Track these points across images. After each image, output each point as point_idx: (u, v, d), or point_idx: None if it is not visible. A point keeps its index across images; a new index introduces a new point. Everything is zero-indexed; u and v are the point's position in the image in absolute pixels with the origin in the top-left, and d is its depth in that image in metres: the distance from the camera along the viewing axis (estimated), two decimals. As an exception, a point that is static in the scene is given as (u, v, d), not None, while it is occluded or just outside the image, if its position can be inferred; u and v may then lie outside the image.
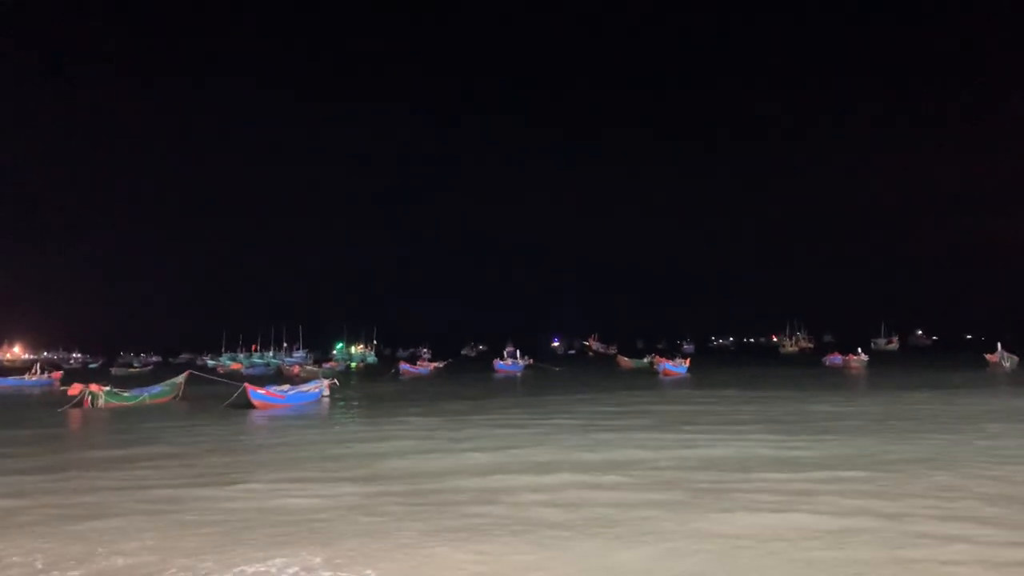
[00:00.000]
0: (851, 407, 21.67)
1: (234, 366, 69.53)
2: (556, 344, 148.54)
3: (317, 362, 72.84)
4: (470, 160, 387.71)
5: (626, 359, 58.21)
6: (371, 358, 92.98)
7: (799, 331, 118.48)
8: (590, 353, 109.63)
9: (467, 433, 17.28)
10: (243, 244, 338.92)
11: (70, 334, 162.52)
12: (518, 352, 57.09)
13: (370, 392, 33.85)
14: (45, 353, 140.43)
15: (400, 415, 22.28)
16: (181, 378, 30.97)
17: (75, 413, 25.16)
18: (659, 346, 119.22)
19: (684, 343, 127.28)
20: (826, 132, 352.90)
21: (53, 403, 28.04)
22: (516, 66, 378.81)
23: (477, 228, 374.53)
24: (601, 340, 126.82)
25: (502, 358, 57.99)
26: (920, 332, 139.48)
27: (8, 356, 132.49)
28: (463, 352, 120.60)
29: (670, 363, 48.91)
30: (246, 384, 26.35)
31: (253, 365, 73.34)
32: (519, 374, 49.74)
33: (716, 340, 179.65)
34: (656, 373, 46.17)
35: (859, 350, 57.01)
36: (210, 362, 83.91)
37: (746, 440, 14.88)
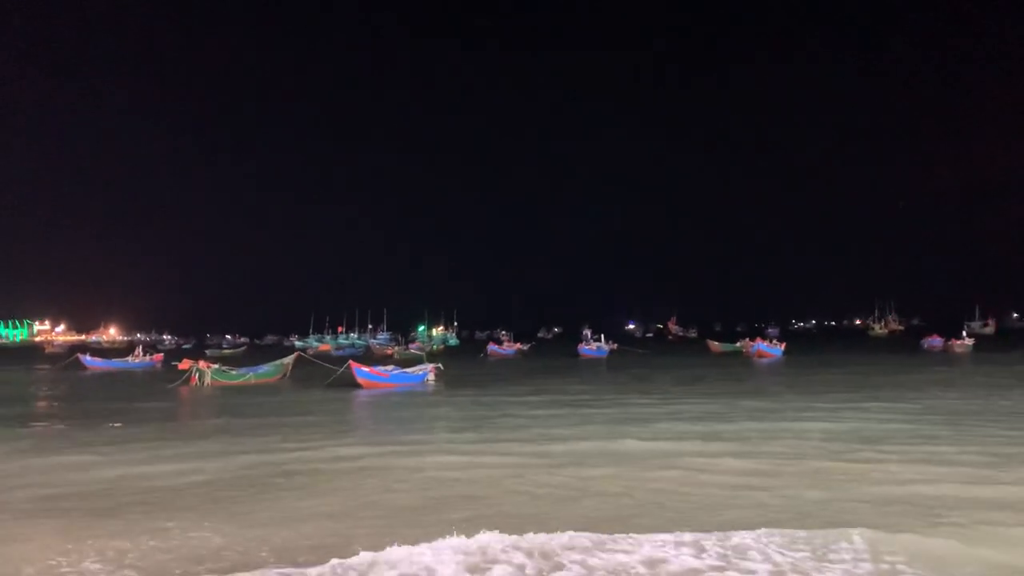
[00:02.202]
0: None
1: (323, 347, 70.55)
2: (632, 327, 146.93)
3: (400, 343, 73.58)
4: (541, 144, 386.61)
5: (716, 343, 56.86)
6: (452, 340, 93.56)
7: (890, 313, 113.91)
8: (669, 336, 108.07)
9: (629, 414, 16.93)
10: (322, 228, 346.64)
11: (158, 317, 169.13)
12: (602, 336, 56.31)
13: (465, 373, 33.70)
14: (138, 335, 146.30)
15: (522, 396, 22.27)
16: (289, 359, 31.66)
17: (184, 390, 25.89)
18: (737, 329, 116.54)
19: (767, 326, 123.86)
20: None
21: (161, 382, 28.74)
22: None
23: (547, 210, 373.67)
24: (679, 323, 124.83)
25: (585, 341, 57.31)
26: (1016, 315, 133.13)
27: (105, 338, 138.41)
28: (539, 335, 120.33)
29: (765, 344, 47.71)
30: (351, 363, 26.66)
31: (340, 346, 74.47)
32: (605, 358, 49.02)
33: (797, 323, 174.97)
34: (748, 357, 45.07)
35: (963, 333, 54.51)
36: (297, 343, 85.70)
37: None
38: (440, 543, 6.39)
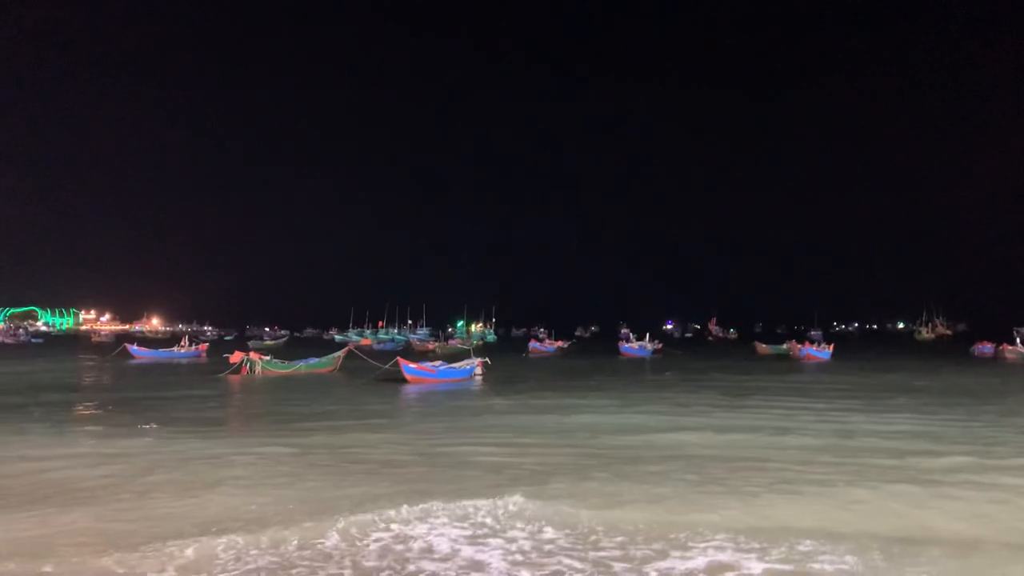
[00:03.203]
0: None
1: (364, 342, 70.94)
2: (670, 327, 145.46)
3: (441, 339, 73.60)
4: (587, 149, 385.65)
5: (763, 345, 55.91)
6: (490, 336, 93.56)
7: (938, 316, 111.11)
8: (709, 337, 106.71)
9: (694, 410, 16.89)
10: (361, 223, 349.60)
11: (198, 308, 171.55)
12: (647, 336, 55.65)
13: (509, 369, 33.40)
14: (180, 326, 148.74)
15: (580, 392, 22.21)
16: (340, 353, 32.08)
17: (235, 379, 26.17)
18: (778, 331, 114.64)
19: (809, 329, 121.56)
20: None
21: (207, 372, 28.92)
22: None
23: (586, 210, 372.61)
24: (719, 324, 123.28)
25: (626, 340, 56.71)
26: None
27: (147, 328, 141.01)
28: (576, 333, 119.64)
29: (812, 348, 46.72)
30: (399, 358, 26.68)
31: (381, 341, 74.77)
32: (648, 358, 48.32)
33: (839, 326, 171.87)
34: (795, 359, 44.17)
35: (1016, 339, 52.77)
36: (337, 337, 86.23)
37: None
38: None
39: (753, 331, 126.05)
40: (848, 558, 6.40)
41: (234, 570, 6.19)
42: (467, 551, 6.65)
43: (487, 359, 28.38)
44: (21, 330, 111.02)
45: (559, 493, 8.67)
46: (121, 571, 6.15)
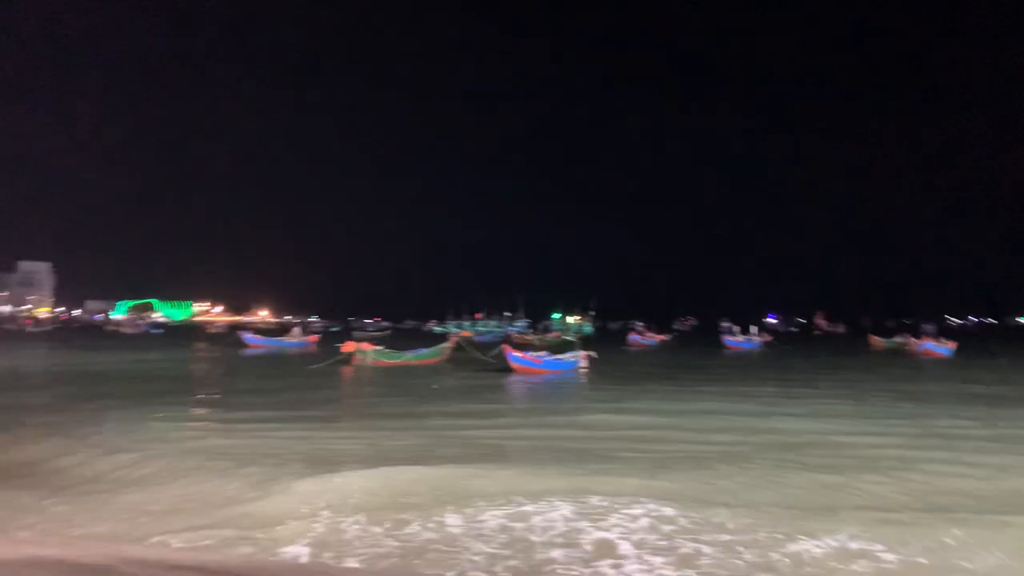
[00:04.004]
0: None
1: (463, 334, 71.59)
2: (773, 321, 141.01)
3: (538, 331, 73.67)
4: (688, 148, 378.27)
5: (879, 339, 53.40)
6: (587, 328, 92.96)
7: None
8: (816, 332, 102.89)
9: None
10: (461, 216, 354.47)
11: (303, 300, 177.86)
12: (755, 328, 54.05)
13: (613, 362, 32.91)
14: (287, 316, 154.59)
15: (696, 384, 21.88)
16: (448, 344, 32.39)
17: (347, 368, 26.81)
18: (887, 325, 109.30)
19: (923, 321, 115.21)
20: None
21: (320, 361, 29.58)
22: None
23: (683, 206, 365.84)
24: (828, 318, 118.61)
25: (730, 333, 55.25)
26: None
27: (257, 319, 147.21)
28: (675, 326, 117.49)
29: (931, 343, 44.27)
30: (504, 346, 26.73)
31: (480, 333, 75.47)
32: (754, 351, 46.87)
33: (950, 319, 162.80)
34: (913, 355, 41.87)
35: None
36: (437, 329, 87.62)
37: None
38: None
39: (860, 325, 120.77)
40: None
41: (360, 547, 6.34)
42: (590, 534, 6.63)
43: (593, 352, 28.02)
44: (142, 321, 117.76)
45: (683, 480, 8.59)
46: (260, 536, 6.48)
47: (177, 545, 6.29)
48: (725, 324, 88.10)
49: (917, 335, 51.93)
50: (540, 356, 26.85)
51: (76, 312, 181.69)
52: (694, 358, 39.21)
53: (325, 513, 7.15)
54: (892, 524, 6.96)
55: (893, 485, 8.64)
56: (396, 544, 6.44)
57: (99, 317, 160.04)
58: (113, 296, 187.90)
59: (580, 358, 27.18)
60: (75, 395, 18.08)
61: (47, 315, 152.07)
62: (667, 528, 6.80)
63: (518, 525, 6.89)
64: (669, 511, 7.21)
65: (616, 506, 7.39)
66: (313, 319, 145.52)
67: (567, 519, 7.05)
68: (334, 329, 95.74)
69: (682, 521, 6.97)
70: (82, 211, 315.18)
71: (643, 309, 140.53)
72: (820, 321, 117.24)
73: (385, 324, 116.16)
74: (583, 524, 6.91)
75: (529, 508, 7.33)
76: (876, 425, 13.65)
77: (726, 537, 6.59)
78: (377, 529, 6.76)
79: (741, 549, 6.32)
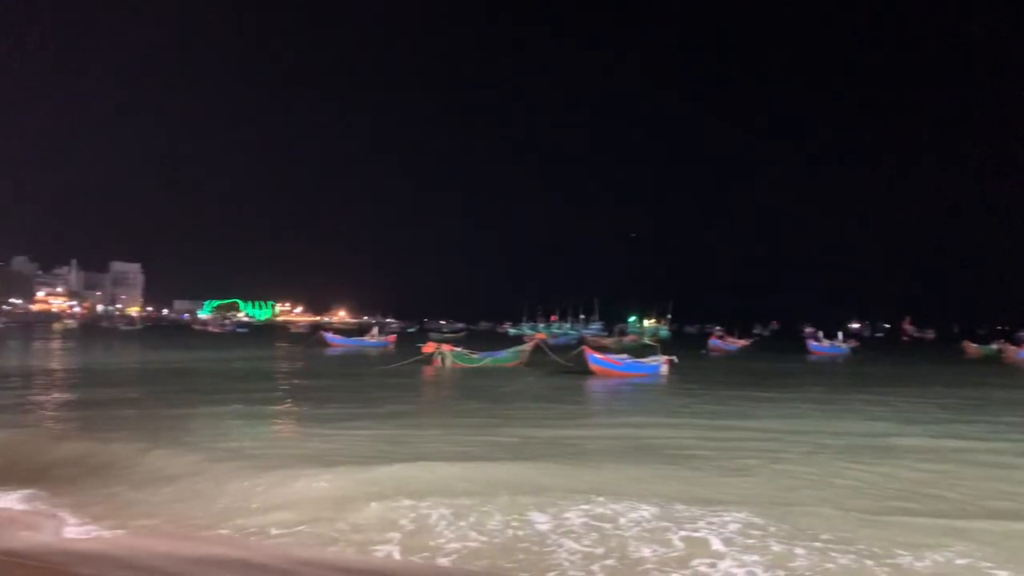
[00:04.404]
0: None
1: (538, 336, 71.47)
2: (856, 326, 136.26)
3: (614, 334, 72.97)
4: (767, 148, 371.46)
5: (973, 345, 50.99)
6: (664, 332, 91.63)
7: None
8: (904, 338, 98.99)
9: None
10: (536, 217, 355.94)
11: (379, 302, 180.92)
12: (840, 334, 52.27)
13: (694, 367, 32.14)
14: (364, 317, 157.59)
15: (785, 391, 21.20)
16: (528, 346, 32.20)
17: (427, 369, 26.98)
18: (979, 331, 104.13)
19: (1019, 329, 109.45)
20: None
21: (400, 361, 29.87)
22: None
23: (764, 202, 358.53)
24: (915, 323, 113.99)
25: (814, 338, 53.53)
26: None
27: (335, 319, 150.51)
28: (755, 331, 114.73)
29: (1032, 351, 42.04)
30: (584, 348, 26.47)
31: (554, 335, 75.15)
32: (841, 358, 45.17)
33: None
34: (1010, 363, 39.81)
35: None
36: (511, 331, 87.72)
37: None
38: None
39: (951, 331, 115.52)
40: None
41: (451, 536, 6.46)
42: (679, 534, 6.55)
43: (675, 357, 27.44)
44: (228, 320, 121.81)
45: (771, 489, 8.40)
46: (356, 537, 6.49)
47: (307, 543, 6.36)
48: (808, 329, 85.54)
49: (1016, 342, 49.37)
50: (620, 359, 26.47)
51: (164, 311, 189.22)
52: (778, 364, 38.06)
53: (411, 509, 7.15)
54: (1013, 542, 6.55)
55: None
56: (484, 539, 6.43)
57: (186, 316, 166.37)
58: (199, 296, 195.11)
59: (662, 362, 26.65)
60: (169, 392, 18.73)
61: (138, 314, 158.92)
62: (757, 533, 6.60)
63: (605, 525, 6.77)
64: (758, 519, 6.96)
65: (703, 511, 7.20)
66: (389, 320, 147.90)
67: (654, 519, 6.93)
68: (410, 330, 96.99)
69: (772, 529, 6.72)
70: (171, 215, 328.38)
71: (720, 313, 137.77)
72: (907, 326, 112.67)
73: (459, 325, 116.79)
74: (670, 525, 6.78)
75: (614, 508, 7.21)
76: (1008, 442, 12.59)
77: (818, 544, 6.31)
78: (462, 523, 6.78)
79: (836, 555, 6.05)
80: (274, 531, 6.58)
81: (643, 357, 27.37)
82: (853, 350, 49.76)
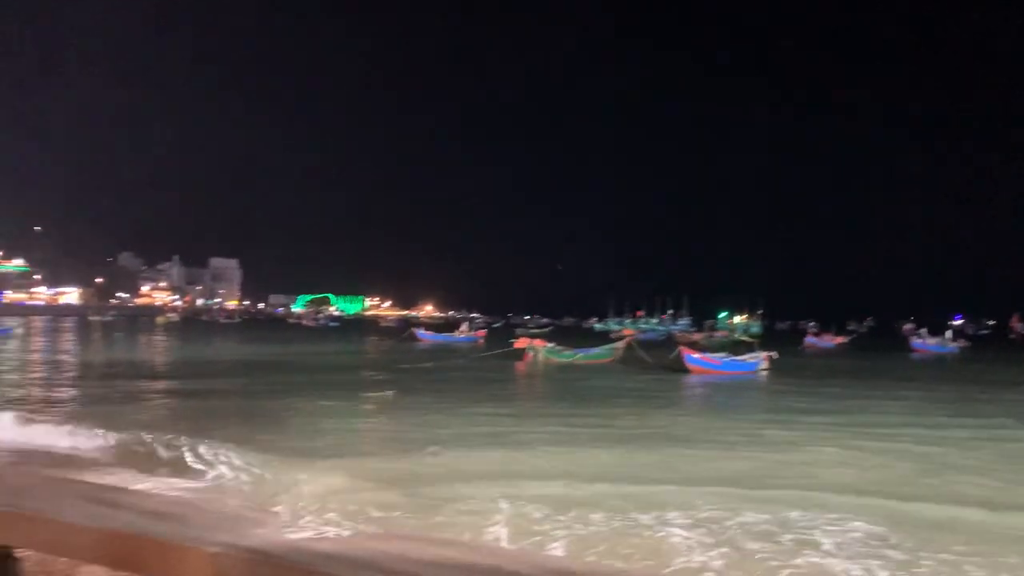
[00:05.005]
0: None
1: (625, 332, 70.88)
2: (959, 323, 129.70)
3: (703, 330, 71.66)
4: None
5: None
6: (755, 328, 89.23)
7: None
8: (1013, 336, 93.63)
9: None
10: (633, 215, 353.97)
11: (463, 297, 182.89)
12: (950, 332, 49.87)
13: (792, 365, 31.15)
14: (450, 312, 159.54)
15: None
16: (621, 344, 32.01)
17: (520, 365, 27.18)
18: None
19: None
20: None
21: (493, 357, 30.07)
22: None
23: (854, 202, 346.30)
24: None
25: (918, 336, 51.28)
26: None
27: (422, 314, 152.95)
28: (850, 327, 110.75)
29: None
30: (681, 348, 26.06)
31: (642, 331, 74.34)
32: (948, 356, 43.04)
33: None
34: None
35: None
36: (596, 326, 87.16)
37: None
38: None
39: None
40: None
41: (557, 535, 6.29)
42: (793, 534, 6.38)
43: (774, 353, 26.74)
44: (320, 315, 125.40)
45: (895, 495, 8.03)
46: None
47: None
48: (908, 326, 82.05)
49: None
50: (719, 357, 26.05)
51: (260, 305, 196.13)
52: (879, 362, 36.62)
53: (512, 502, 7.11)
54: None
55: None
56: (587, 532, 6.38)
57: (280, 310, 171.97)
58: (292, 291, 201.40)
59: (761, 359, 26.05)
60: (282, 382, 19.48)
61: (235, 307, 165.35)
62: (877, 542, 6.34)
63: (715, 527, 6.61)
64: (880, 528, 6.69)
65: (821, 515, 6.98)
66: (474, 315, 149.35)
67: (768, 520, 6.76)
68: (495, 325, 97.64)
69: (894, 539, 6.43)
70: (265, 212, 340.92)
71: (812, 309, 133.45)
72: (1016, 323, 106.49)
73: (545, 321, 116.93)
74: (785, 525, 6.63)
75: (725, 509, 7.09)
76: None
77: (948, 556, 6.01)
78: (561, 518, 6.70)
79: (970, 568, 5.75)
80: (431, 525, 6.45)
81: (741, 355, 26.80)
82: (962, 349, 47.31)
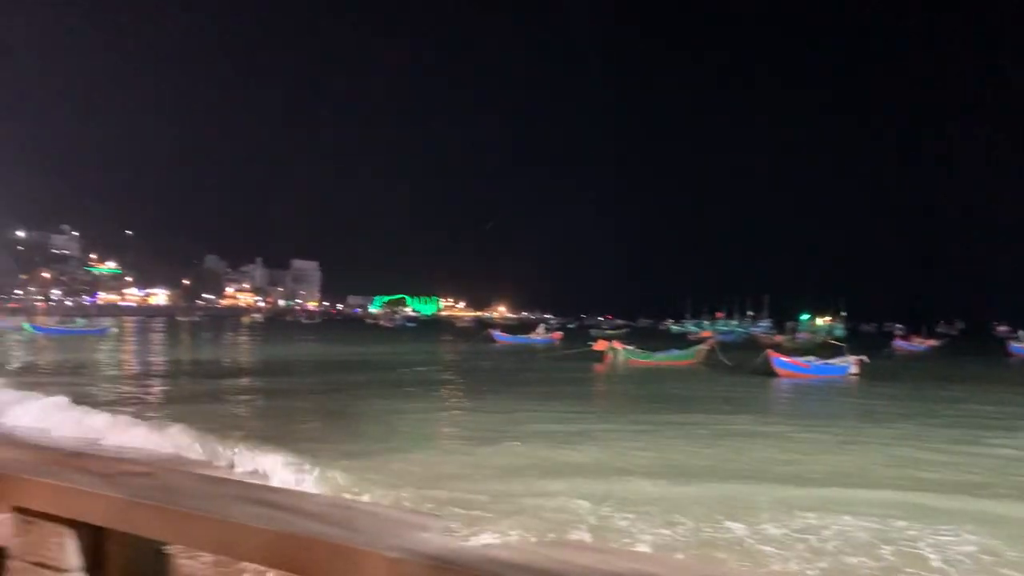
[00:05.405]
0: None
1: (704, 334, 69.70)
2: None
3: (785, 332, 69.95)
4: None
5: None
6: (839, 330, 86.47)
7: None
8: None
9: None
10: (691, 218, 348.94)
11: (535, 297, 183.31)
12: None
13: (883, 369, 29.98)
14: (523, 313, 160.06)
15: None
16: (704, 346, 31.65)
17: (599, 367, 27.10)
18: None
19: None
20: None
21: (571, 358, 30.02)
22: None
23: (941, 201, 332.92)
24: None
25: (1016, 339, 48.83)
26: None
27: (496, 315, 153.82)
28: (939, 330, 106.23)
29: None
30: (768, 351, 25.56)
31: (722, 333, 73.00)
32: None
33: None
34: None
35: None
36: (674, 328, 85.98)
37: None
38: None
39: None
40: None
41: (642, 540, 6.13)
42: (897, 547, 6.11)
43: (865, 357, 25.88)
44: (397, 315, 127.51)
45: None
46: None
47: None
48: (1003, 328, 78.49)
49: None
50: (808, 361, 25.33)
51: (339, 306, 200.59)
52: (977, 367, 35.01)
53: (600, 502, 7.04)
54: None
55: None
56: (675, 540, 6.21)
57: (358, 311, 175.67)
58: (370, 292, 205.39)
59: (851, 363, 25.24)
60: (368, 381, 19.89)
61: (316, 308, 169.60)
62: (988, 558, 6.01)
63: (812, 537, 6.34)
64: (993, 541, 6.38)
65: (927, 530, 6.63)
66: (547, 316, 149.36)
67: (869, 532, 6.48)
68: (570, 326, 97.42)
69: (1010, 554, 6.09)
70: (344, 218, 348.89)
71: (897, 310, 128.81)
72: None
73: (620, 322, 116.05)
74: (889, 539, 6.30)
75: (825, 519, 6.82)
76: None
77: None
78: (643, 524, 6.51)
79: None
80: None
81: (829, 358, 26.02)
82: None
